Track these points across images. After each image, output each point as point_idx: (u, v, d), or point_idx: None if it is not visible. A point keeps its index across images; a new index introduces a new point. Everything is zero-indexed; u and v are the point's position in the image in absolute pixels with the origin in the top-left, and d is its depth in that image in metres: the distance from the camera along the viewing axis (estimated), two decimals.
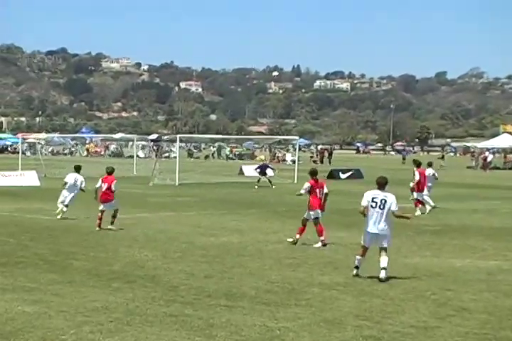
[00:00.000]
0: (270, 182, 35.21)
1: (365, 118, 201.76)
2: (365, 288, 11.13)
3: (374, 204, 11.76)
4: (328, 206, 24.39)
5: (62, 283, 11.08)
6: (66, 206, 19.79)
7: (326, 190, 15.80)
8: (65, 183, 19.86)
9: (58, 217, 19.60)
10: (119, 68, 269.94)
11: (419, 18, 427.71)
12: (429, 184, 24.86)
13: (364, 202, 11.89)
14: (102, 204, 17.74)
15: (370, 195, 11.89)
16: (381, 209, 11.73)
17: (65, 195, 19.83)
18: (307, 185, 15.69)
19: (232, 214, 22.11)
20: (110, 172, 18.08)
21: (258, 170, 36.19)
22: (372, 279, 11.68)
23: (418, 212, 22.21)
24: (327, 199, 15.91)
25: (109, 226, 17.40)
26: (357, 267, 11.91)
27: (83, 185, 19.78)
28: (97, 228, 17.34)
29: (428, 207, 23.30)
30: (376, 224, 11.74)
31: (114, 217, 17.63)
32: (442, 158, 68.18)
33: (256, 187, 34.28)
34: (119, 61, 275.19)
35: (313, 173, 15.93)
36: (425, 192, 23.80)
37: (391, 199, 11.81)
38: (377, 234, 11.78)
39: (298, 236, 15.62)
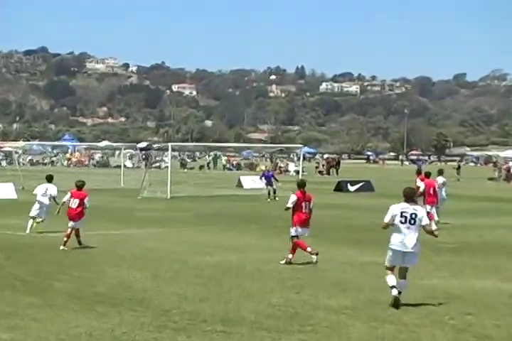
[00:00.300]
0: (274, 193, 35.49)
1: (376, 125, 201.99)
2: (377, 312, 11.12)
3: (403, 220, 11.57)
4: (335, 221, 24.40)
5: (41, 306, 11.08)
6: (33, 218, 20.18)
7: (311, 205, 15.81)
8: (36, 195, 20.41)
9: (27, 231, 19.99)
10: (105, 69, 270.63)
11: (436, 17, 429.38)
12: (443, 196, 24.81)
13: (388, 218, 11.67)
14: (71, 221, 17.64)
15: (398, 208, 11.69)
16: (412, 224, 11.56)
17: (36, 209, 20.24)
18: (294, 197, 15.70)
19: (229, 230, 22.11)
20: (81, 186, 18.01)
21: (265, 182, 36.44)
22: (384, 302, 11.68)
23: (434, 227, 22.14)
24: (311, 215, 15.86)
25: (61, 247, 17.21)
26: (393, 286, 11.47)
27: (54, 194, 19.95)
28: (62, 246, 17.20)
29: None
30: (406, 242, 11.56)
31: (68, 236, 17.47)
32: (458, 168, 67.31)
33: (277, 198, 34.40)
34: (104, 61, 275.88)
35: (301, 185, 15.97)
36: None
37: (421, 213, 11.69)
38: (407, 252, 11.60)
39: (290, 256, 15.64)
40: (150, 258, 16.04)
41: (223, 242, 19.06)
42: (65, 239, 17.38)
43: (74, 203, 17.72)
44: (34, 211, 20.28)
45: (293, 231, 15.74)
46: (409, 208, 11.67)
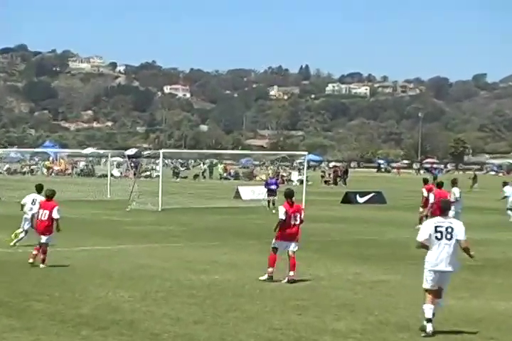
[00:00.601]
0: (273, 204, 35.53)
1: (387, 130, 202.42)
2: (388, 336, 11.11)
3: (439, 235, 11.46)
4: (343, 236, 24.41)
5: (20, 329, 11.06)
6: (26, 232, 20.29)
7: (302, 216, 15.94)
8: (22, 206, 20.35)
9: (11, 243, 20.18)
10: (90, 69, 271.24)
11: (454, 14, 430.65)
12: (459, 209, 24.79)
13: (423, 236, 11.51)
14: (41, 236, 17.51)
15: (432, 224, 11.60)
16: (448, 239, 11.46)
17: (28, 219, 20.34)
18: (283, 209, 15.80)
19: (226, 245, 22.12)
20: (50, 195, 17.84)
21: (269, 187, 36.75)
22: (396, 325, 11.66)
23: None
24: (299, 228, 15.93)
25: (41, 266, 17.19)
26: (429, 320, 11.22)
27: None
28: (41, 265, 17.12)
29: None
30: (444, 260, 11.44)
31: (44, 253, 17.38)
32: (474, 178, 67.06)
33: (274, 211, 34.81)
34: (89, 60, 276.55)
35: (288, 195, 16.07)
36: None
37: (458, 227, 11.58)
38: (445, 271, 11.49)
39: (270, 269, 15.73)
40: (139, 277, 16.03)
41: (220, 259, 19.06)
42: (42, 256, 17.31)
43: (43, 215, 17.51)
44: (24, 223, 20.54)
45: (274, 243, 15.92)
46: (444, 222, 11.54)
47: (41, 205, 17.78)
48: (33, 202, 20.02)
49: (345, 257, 19.64)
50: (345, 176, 71.22)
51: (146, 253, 20.12)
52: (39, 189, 20.29)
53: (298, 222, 15.82)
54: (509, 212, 32.07)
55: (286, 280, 15.58)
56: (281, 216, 15.74)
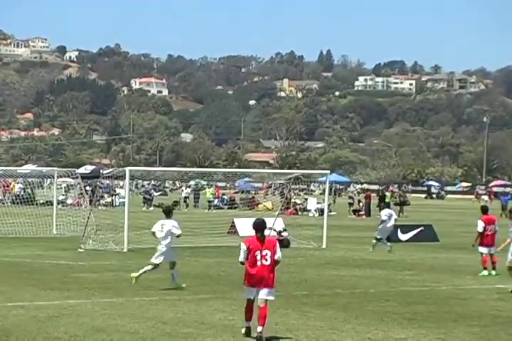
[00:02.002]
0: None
1: (440, 140, 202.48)
2: None
3: None
4: (381, 287, 24.41)
5: None
6: (155, 266, 23.79)
7: (278, 255, 16.06)
8: (153, 233, 24.01)
9: (135, 274, 23.81)
10: (30, 56, 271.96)
11: None
12: None
13: None
14: None
15: None
16: None
17: (160, 251, 23.82)
18: (244, 247, 16.05)
19: (218, 299, 22.09)
20: None
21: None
22: None
23: None
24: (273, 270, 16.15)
25: None
26: None
27: (176, 232, 23.67)
28: None
29: None
30: None
31: None
32: None
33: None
34: (29, 44, 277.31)
35: (258, 227, 16.17)
36: None
37: None
38: None
39: (246, 323, 16.24)
40: None
41: (209, 318, 19.04)
42: None
43: None
44: (159, 253, 23.90)
45: (245, 293, 16.31)
46: None
47: None
48: (162, 227, 23.39)
49: (383, 316, 19.61)
50: (383, 203, 70.99)
51: (108, 310, 20.08)
52: (167, 212, 24.03)
53: (268, 263, 15.87)
54: None
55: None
56: (241, 258, 16.14)
